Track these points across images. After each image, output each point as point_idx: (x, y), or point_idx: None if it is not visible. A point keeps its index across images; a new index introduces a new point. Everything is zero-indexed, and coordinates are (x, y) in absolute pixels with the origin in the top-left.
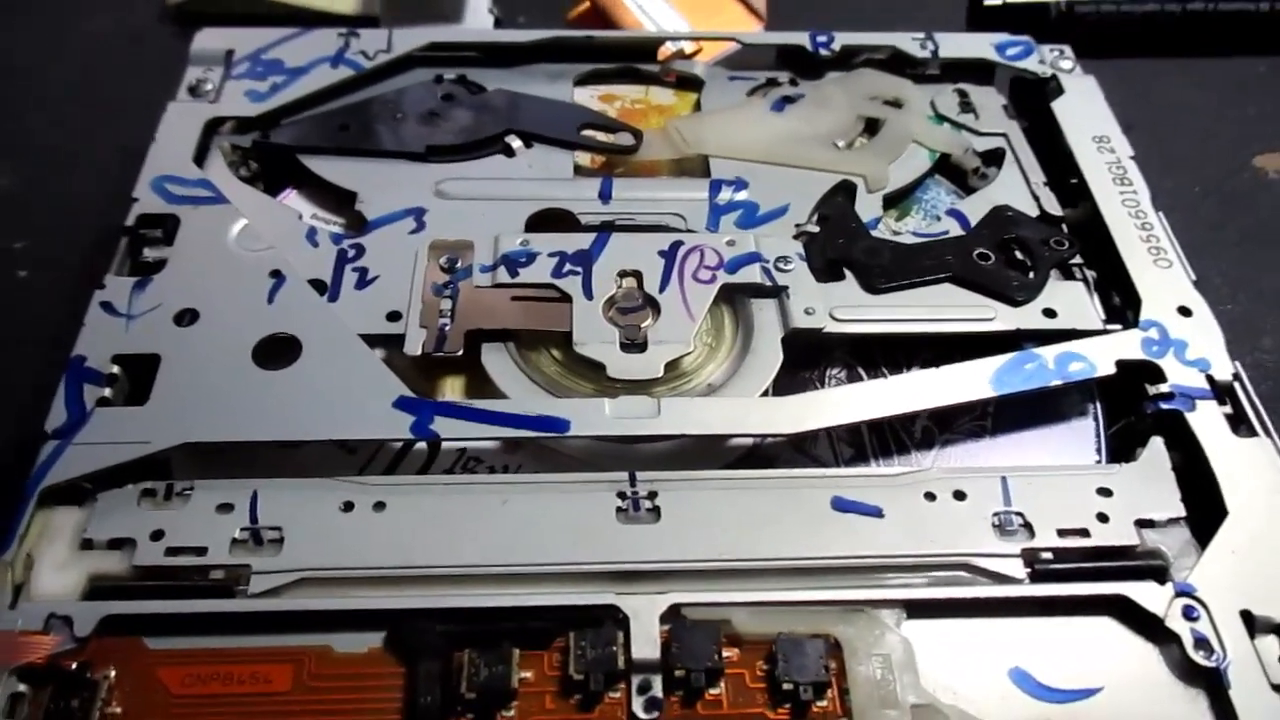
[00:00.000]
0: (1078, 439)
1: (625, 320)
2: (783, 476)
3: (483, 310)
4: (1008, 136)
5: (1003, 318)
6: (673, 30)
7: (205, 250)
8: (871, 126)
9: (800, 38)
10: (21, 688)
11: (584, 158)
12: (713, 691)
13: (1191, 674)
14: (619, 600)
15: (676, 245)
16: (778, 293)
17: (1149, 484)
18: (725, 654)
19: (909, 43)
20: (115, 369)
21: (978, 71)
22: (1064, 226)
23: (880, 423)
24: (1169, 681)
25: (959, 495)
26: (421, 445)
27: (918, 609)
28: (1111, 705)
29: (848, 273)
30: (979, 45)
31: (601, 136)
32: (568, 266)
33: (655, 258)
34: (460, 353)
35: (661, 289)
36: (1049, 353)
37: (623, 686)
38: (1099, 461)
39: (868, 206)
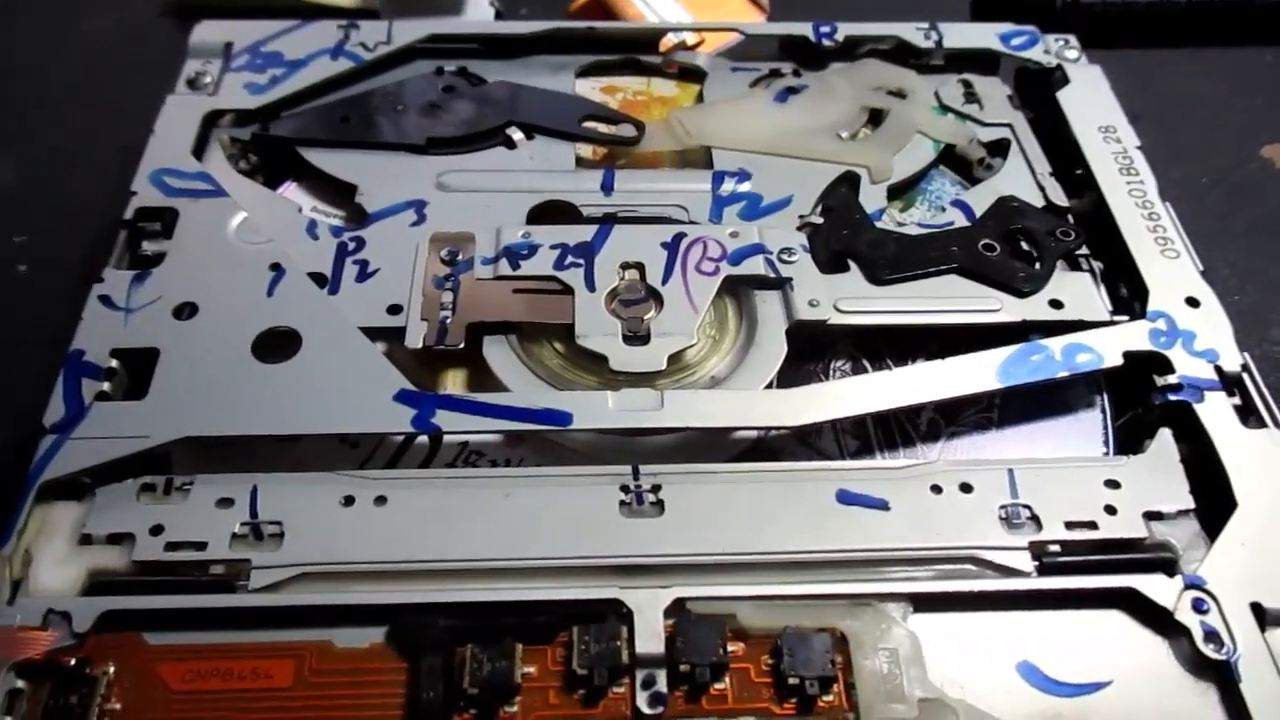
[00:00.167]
0: (1085, 431)
1: (628, 312)
2: (787, 469)
3: (484, 303)
4: (1013, 127)
5: (1009, 309)
6: (675, 22)
7: (204, 243)
8: (875, 117)
9: (803, 28)
10: (20, 684)
11: (586, 150)
12: (718, 686)
13: (1201, 667)
14: (623, 594)
15: (679, 237)
16: (781, 284)
17: (1157, 476)
18: (730, 648)
19: (913, 33)
20: (114, 363)
21: (982, 62)
22: (1070, 217)
23: (885, 415)
24: (1179, 675)
25: (965, 488)
26: (423, 439)
27: (924, 602)
28: (1121, 699)
29: (852, 264)
30: (984, 35)
31: (603, 128)
32: (570, 259)
33: (658, 249)
34: (462, 345)
35: (664, 281)
36: (1056, 344)
37: (627, 681)
38: (1106, 453)
39: (872, 198)
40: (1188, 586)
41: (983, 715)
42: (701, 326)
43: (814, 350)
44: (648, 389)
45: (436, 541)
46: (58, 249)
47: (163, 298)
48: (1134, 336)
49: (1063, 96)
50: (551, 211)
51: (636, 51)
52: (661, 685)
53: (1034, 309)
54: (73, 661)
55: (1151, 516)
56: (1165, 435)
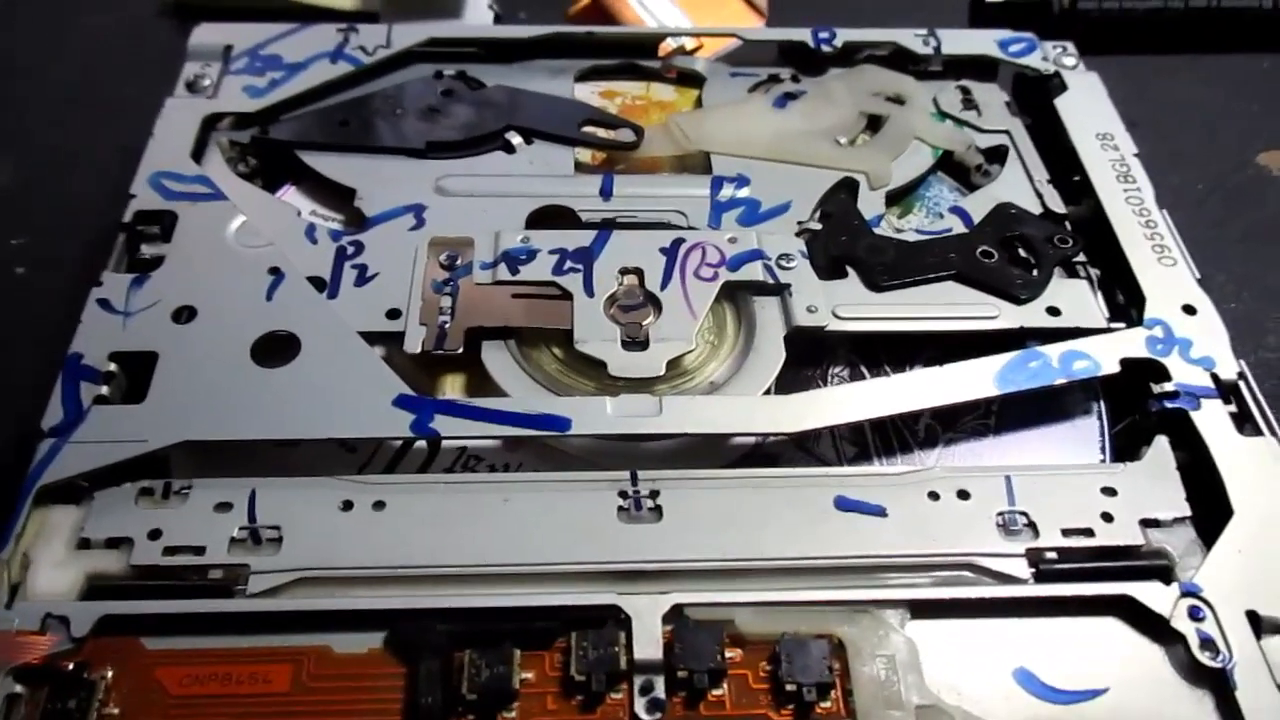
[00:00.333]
0: (1082, 438)
1: (626, 318)
2: (785, 475)
3: (483, 308)
4: (1010, 133)
5: (1006, 316)
6: (674, 26)
7: (203, 247)
8: (874, 123)
9: (802, 34)
10: (18, 688)
11: (585, 154)
12: (715, 692)
13: (1197, 675)
14: (621, 600)
15: (678, 242)
16: (780, 290)
17: (1154, 483)
18: (728, 654)
19: (911, 39)
20: (113, 366)
21: (980, 68)
22: (1067, 224)
23: (883, 421)
24: (1174, 682)
25: (963, 494)
26: (421, 444)
27: (922, 609)
28: (1116, 706)
29: (850, 270)
30: (982, 42)
31: (602, 133)
32: (568, 264)
33: (657, 255)
34: (460, 350)
35: (663, 286)
36: (1053, 351)
37: (625, 687)
38: (1103, 460)
39: (870, 204)
40: (1184, 594)
41: None
42: (700, 332)
43: (812, 356)
44: (646, 394)
45: (435, 546)
46: (56, 251)
47: (161, 301)
48: (1131, 344)
49: (1060, 103)
50: (550, 216)
51: (635, 56)
52: (659, 691)
53: (1031, 316)
54: (71, 666)
55: (1148, 524)
56: (1162, 442)
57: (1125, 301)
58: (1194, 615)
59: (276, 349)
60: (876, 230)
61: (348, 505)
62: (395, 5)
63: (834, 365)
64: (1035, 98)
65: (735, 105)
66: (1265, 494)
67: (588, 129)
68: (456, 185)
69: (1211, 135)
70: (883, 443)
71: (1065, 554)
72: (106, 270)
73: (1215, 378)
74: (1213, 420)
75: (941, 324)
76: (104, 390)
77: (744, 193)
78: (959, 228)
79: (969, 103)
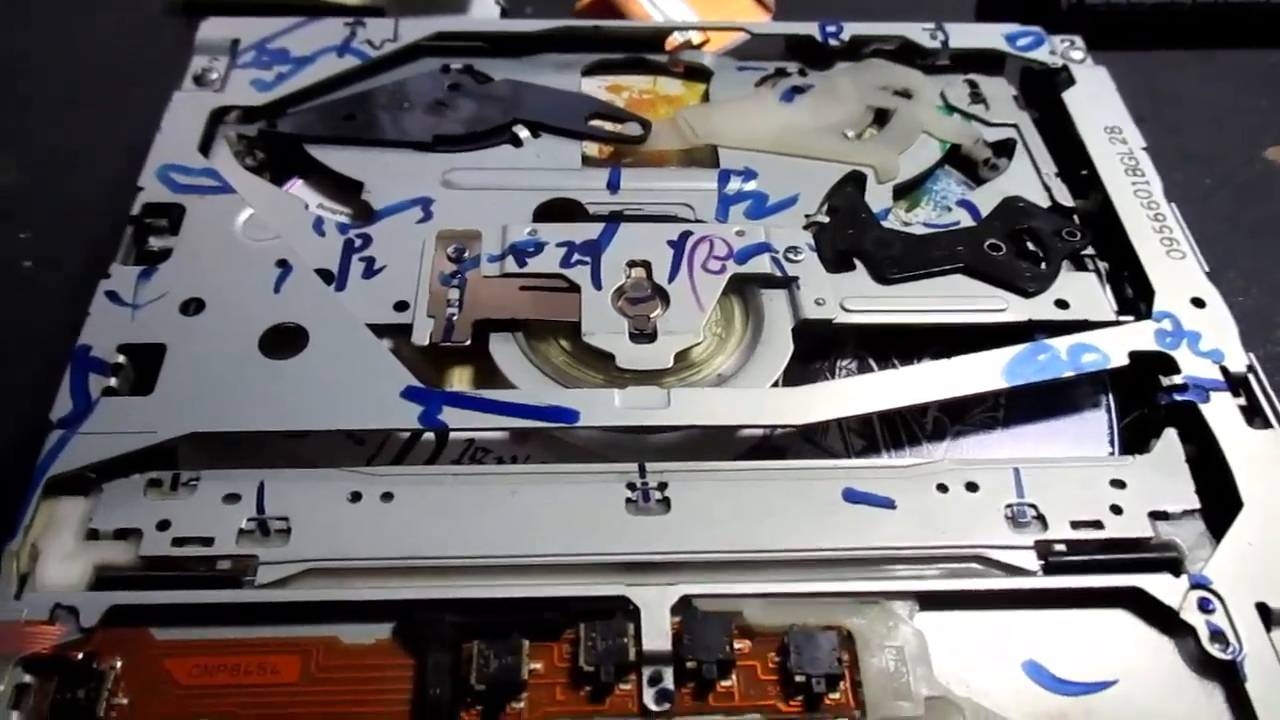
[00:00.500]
0: (1091, 431)
1: (634, 310)
2: (793, 467)
3: (491, 300)
4: (1018, 127)
5: (1014, 309)
6: (681, 20)
7: (211, 239)
8: (881, 117)
9: (809, 28)
10: (27, 678)
11: (592, 148)
12: (724, 683)
13: (1207, 667)
14: (629, 591)
15: (685, 235)
16: (788, 283)
17: (1163, 476)
18: (737, 646)
19: (919, 33)
20: (121, 358)
21: (988, 62)
22: (1076, 217)
23: (891, 414)
24: (1184, 674)
25: (971, 487)
26: (429, 436)
27: (930, 601)
28: (1126, 698)
29: (858, 263)
30: (989, 36)
31: (609, 126)
32: (576, 256)
33: (664, 248)
34: (468, 342)
35: (671, 279)
36: (1061, 344)
37: (633, 678)
38: (1112, 453)
39: (878, 197)
40: (1193, 586)
41: (989, 713)
42: (708, 325)
43: (820, 349)
44: (654, 387)
45: (443, 538)
46: (62, 246)
47: (169, 293)
48: (1140, 336)
49: (1068, 97)
50: (558, 209)
51: (642, 50)
52: (668, 682)
53: (1040, 309)
54: (80, 656)
55: (1157, 516)
56: (1171, 435)
57: (1134, 294)
58: (1203, 607)
59: (284, 341)
60: (884, 223)
61: (356, 496)
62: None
63: (842, 358)
64: (1043, 92)
65: (742, 99)
66: (1275, 486)
67: (595, 123)
68: (464, 178)
69: (1220, 130)
70: (891, 435)
71: (1074, 546)
72: (115, 263)
73: (1224, 370)
74: (1222, 413)
75: (949, 317)
76: (112, 382)
77: (751, 186)
78: (967, 221)
79: (976, 96)
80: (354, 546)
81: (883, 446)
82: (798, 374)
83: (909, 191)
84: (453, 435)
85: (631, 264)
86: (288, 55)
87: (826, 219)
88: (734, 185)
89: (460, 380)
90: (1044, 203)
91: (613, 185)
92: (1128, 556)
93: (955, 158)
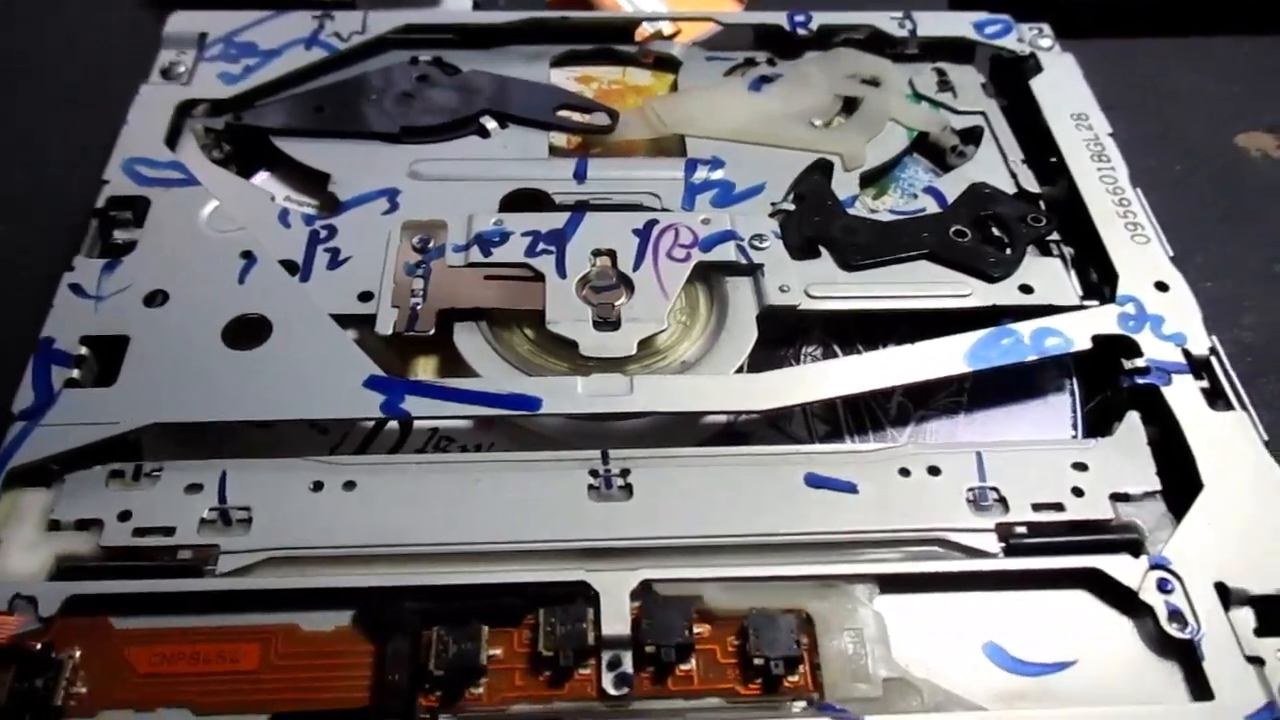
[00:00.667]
0: (1054, 414)
1: (599, 299)
2: (756, 453)
3: (455, 289)
4: (986, 115)
5: (979, 294)
6: (651, 11)
7: (176, 232)
8: (849, 105)
9: (778, 18)
10: None
11: (560, 139)
12: (683, 667)
13: (1166, 646)
14: (589, 577)
15: (651, 224)
16: (753, 270)
17: (1125, 458)
18: (696, 630)
19: (887, 22)
20: (84, 350)
21: (956, 50)
22: (1041, 203)
23: (855, 399)
24: (1143, 654)
25: (933, 471)
26: (394, 425)
27: (890, 583)
28: (1085, 678)
29: (823, 250)
30: (957, 24)
31: (577, 117)
32: (541, 245)
33: (629, 236)
34: (432, 332)
35: (635, 267)
36: (1025, 328)
37: (593, 663)
38: (1075, 436)
39: (845, 185)
40: (1153, 567)
41: (947, 694)
42: (672, 312)
43: (785, 335)
44: (617, 374)
45: (405, 526)
46: (28, 237)
47: (133, 285)
48: (1103, 320)
49: (1035, 84)
50: (524, 200)
51: (612, 41)
52: (627, 666)
53: (1004, 294)
54: (38, 645)
55: (1118, 498)
56: (1133, 418)
57: (1098, 279)
58: (1162, 587)
59: (248, 332)
60: (851, 211)
61: (318, 486)
62: None
63: (807, 344)
64: (1011, 79)
65: (710, 88)
66: (1235, 468)
67: (563, 113)
68: (431, 169)
69: (1191, 117)
70: (855, 421)
71: (1035, 528)
72: (79, 255)
73: (1187, 354)
74: (1184, 396)
75: (914, 303)
76: (75, 374)
77: (718, 175)
78: (933, 208)
79: (945, 84)
80: (315, 535)
81: (847, 432)
82: (763, 361)
83: (876, 179)
84: (417, 424)
85: (597, 253)
86: (255, 48)
87: (792, 207)
88: (701, 174)
89: (425, 370)
90: (1011, 189)
91: (579, 175)
92: (1088, 538)
93: (923, 145)
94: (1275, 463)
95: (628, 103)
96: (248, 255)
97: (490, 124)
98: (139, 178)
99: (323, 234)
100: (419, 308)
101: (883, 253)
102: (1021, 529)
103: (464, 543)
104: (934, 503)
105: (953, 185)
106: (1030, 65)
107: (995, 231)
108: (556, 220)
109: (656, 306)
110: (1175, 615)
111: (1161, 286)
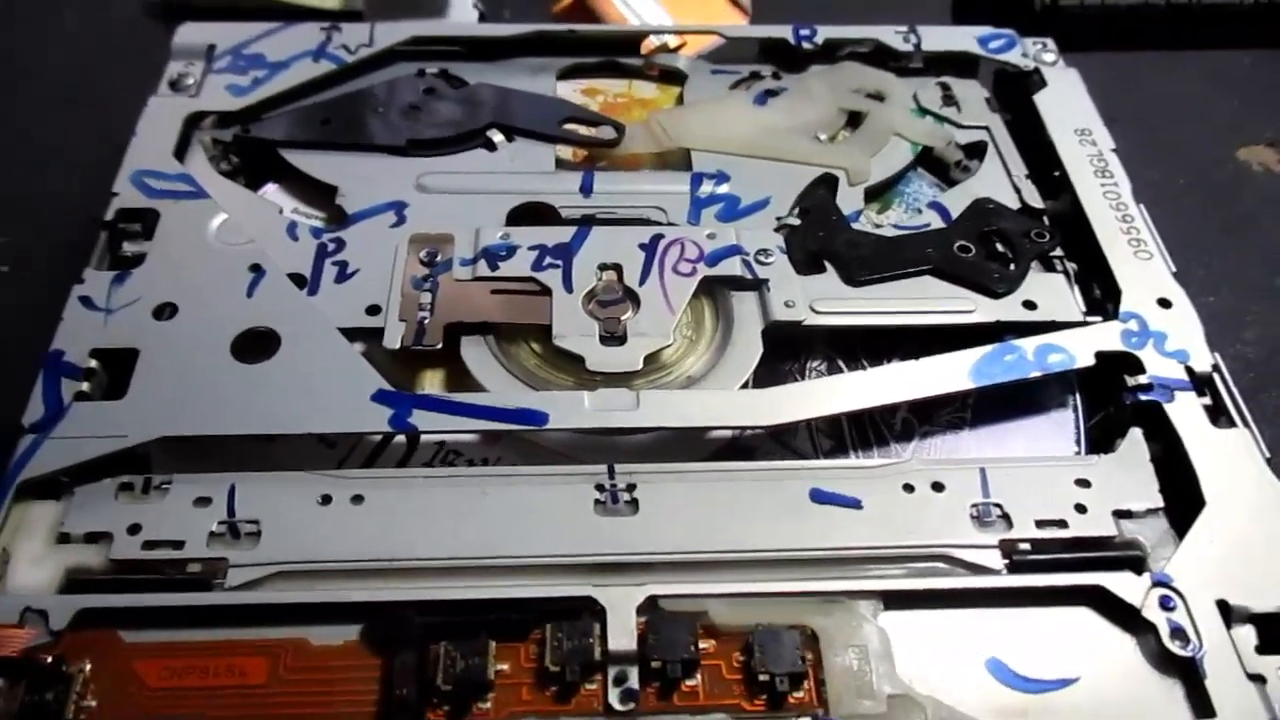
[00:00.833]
0: (1057, 430)
1: (605, 313)
2: (761, 468)
3: (462, 303)
4: (990, 129)
5: (983, 310)
6: (656, 24)
7: (185, 244)
8: (854, 119)
9: (783, 31)
10: None
11: (566, 151)
12: (689, 682)
13: (1168, 664)
14: (596, 592)
15: (657, 238)
16: (758, 285)
17: (1127, 475)
18: (702, 645)
19: (892, 36)
20: (93, 363)
21: (961, 65)
22: (1045, 219)
23: (860, 414)
24: (1145, 671)
25: (937, 486)
26: (401, 438)
27: (895, 600)
28: (1088, 695)
29: (828, 265)
30: (962, 38)
31: (583, 130)
32: (548, 259)
33: (636, 251)
34: (439, 346)
35: (641, 282)
36: (1029, 344)
37: (599, 678)
38: (1078, 453)
39: (849, 199)
40: (1155, 584)
41: (951, 711)
42: (678, 327)
43: (790, 350)
44: (624, 389)
45: (412, 540)
46: (37, 249)
47: (142, 298)
48: (1106, 337)
49: (1039, 99)
50: (531, 213)
51: (618, 54)
52: (633, 682)
53: (1008, 310)
54: (49, 659)
55: (1121, 515)
56: (1136, 434)
57: (1101, 295)
58: (1165, 605)
59: (256, 345)
60: (855, 225)
61: (326, 499)
62: (380, 4)
63: (811, 359)
64: (1015, 94)
65: (716, 102)
66: (1237, 485)
67: (569, 126)
68: (437, 182)
69: (1192, 131)
70: (859, 436)
71: (1038, 545)
72: (88, 268)
73: (1190, 370)
74: (1186, 412)
75: (918, 318)
76: (85, 386)
77: (724, 189)
78: (937, 223)
79: (949, 99)
80: (324, 549)
81: (851, 447)
82: (767, 375)
83: (881, 194)
84: (424, 438)
85: (603, 267)
86: (263, 60)
87: (797, 221)
88: (706, 188)
89: (432, 384)
90: (1014, 204)
91: (586, 189)
92: (1091, 555)
93: (927, 160)
94: (1277, 480)
95: (633, 116)
96: (256, 268)
97: (497, 137)
98: (148, 190)
99: (330, 247)
100: (426, 321)
101: (887, 268)
102: (1025, 545)
103: (471, 557)
104: (938, 519)
105: (957, 200)
106: (1034, 80)
107: (999, 247)
108: (563, 234)
109: (662, 321)
110: (1177, 632)
111: (1164, 303)
